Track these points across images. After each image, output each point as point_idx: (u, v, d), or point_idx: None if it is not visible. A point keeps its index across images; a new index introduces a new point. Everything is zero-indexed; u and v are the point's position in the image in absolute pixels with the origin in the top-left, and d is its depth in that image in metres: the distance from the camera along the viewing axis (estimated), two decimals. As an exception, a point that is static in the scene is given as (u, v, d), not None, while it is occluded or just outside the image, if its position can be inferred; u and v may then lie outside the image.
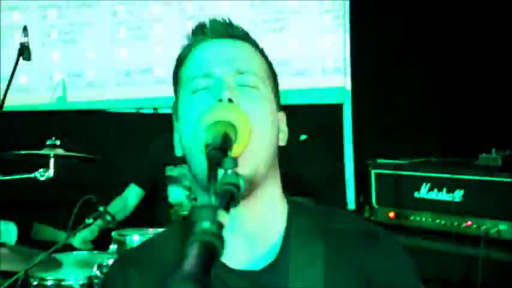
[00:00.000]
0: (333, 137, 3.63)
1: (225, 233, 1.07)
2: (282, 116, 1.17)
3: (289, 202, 1.16)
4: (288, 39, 3.75)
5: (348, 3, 3.62)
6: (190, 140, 1.04)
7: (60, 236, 2.63)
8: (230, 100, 1.02)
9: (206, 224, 0.66)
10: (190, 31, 1.16)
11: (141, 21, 3.87)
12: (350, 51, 3.60)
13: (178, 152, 1.14)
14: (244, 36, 1.15)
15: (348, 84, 3.63)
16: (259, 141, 1.02)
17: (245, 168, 0.97)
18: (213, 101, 1.03)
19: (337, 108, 3.64)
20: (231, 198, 0.73)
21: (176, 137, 1.15)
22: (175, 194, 3.14)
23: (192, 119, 1.03)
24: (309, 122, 3.56)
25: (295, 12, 3.74)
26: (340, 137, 3.60)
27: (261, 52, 1.16)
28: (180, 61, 1.15)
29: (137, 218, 3.23)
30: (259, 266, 1.07)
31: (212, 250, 0.63)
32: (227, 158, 0.81)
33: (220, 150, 0.83)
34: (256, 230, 1.08)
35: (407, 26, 3.38)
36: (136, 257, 1.19)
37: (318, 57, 3.70)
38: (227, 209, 0.70)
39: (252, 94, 1.07)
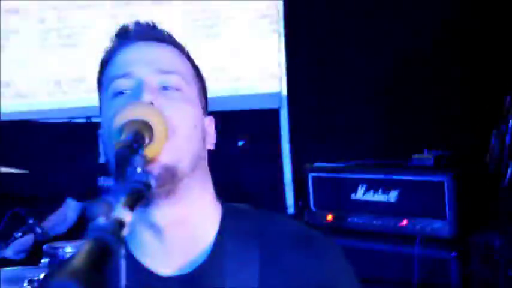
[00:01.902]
0: (271, 142, 3.63)
1: (154, 242, 1.05)
2: (209, 120, 1.15)
3: (223, 205, 1.14)
4: (223, 46, 3.73)
5: (281, 8, 3.63)
6: (107, 142, 1.03)
7: None
8: (151, 103, 0.99)
9: (101, 221, 0.62)
10: (114, 34, 1.15)
11: (71, 29, 3.77)
12: (285, 56, 3.61)
13: (101, 159, 1.11)
14: (169, 39, 1.13)
15: (284, 89, 3.64)
16: (181, 139, 1.00)
17: (165, 157, 0.95)
18: (133, 101, 1.00)
19: (274, 113, 3.64)
20: (138, 196, 0.70)
21: (100, 145, 1.12)
22: None
23: (109, 121, 1.00)
24: (247, 128, 3.55)
25: (230, 17, 3.73)
26: (278, 142, 3.61)
27: (187, 55, 1.15)
28: (103, 64, 1.13)
29: (71, 230, 3.13)
30: (191, 269, 1.05)
31: (105, 248, 0.58)
32: (137, 155, 0.78)
33: (130, 147, 0.80)
34: (187, 236, 1.06)
35: (341, 28, 3.42)
36: None
37: (254, 62, 3.69)
38: (132, 207, 0.67)
39: (174, 96, 1.04)
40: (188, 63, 1.13)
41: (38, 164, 2.95)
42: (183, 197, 1.03)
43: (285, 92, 3.63)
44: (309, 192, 3.00)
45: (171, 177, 0.99)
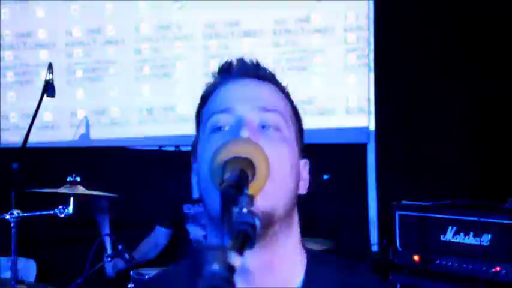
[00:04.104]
0: (356, 178, 3.57)
1: (241, 285, 1.02)
2: (304, 163, 1.13)
3: (308, 252, 1.12)
4: (312, 78, 3.73)
5: (372, 42, 3.60)
6: (207, 178, 0.99)
7: None
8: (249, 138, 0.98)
9: (215, 268, 0.61)
10: (217, 69, 1.13)
11: (165, 59, 3.90)
12: (374, 91, 3.57)
13: (195, 194, 1.12)
14: (270, 78, 1.12)
15: (371, 124, 3.59)
16: (278, 182, 0.98)
17: (262, 203, 0.90)
18: (232, 137, 0.98)
19: (361, 148, 3.58)
20: (245, 238, 0.69)
21: (194, 179, 1.11)
22: (194, 232, 3.10)
23: (209, 157, 0.98)
24: (332, 162, 3.51)
25: (319, 50, 3.73)
26: (363, 178, 3.54)
27: (287, 94, 1.13)
28: (203, 99, 1.13)
29: (157, 256, 3.20)
30: None
31: None
32: (243, 195, 0.76)
33: (236, 187, 0.79)
34: (274, 280, 1.04)
35: (432, 65, 3.34)
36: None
37: (342, 96, 3.67)
38: (241, 250, 0.66)
39: (273, 136, 1.02)
40: (288, 103, 1.11)
41: (128, 189, 3.04)
42: (271, 241, 1.02)
43: (372, 127, 3.58)
44: (395, 231, 2.91)
45: (266, 225, 0.96)
